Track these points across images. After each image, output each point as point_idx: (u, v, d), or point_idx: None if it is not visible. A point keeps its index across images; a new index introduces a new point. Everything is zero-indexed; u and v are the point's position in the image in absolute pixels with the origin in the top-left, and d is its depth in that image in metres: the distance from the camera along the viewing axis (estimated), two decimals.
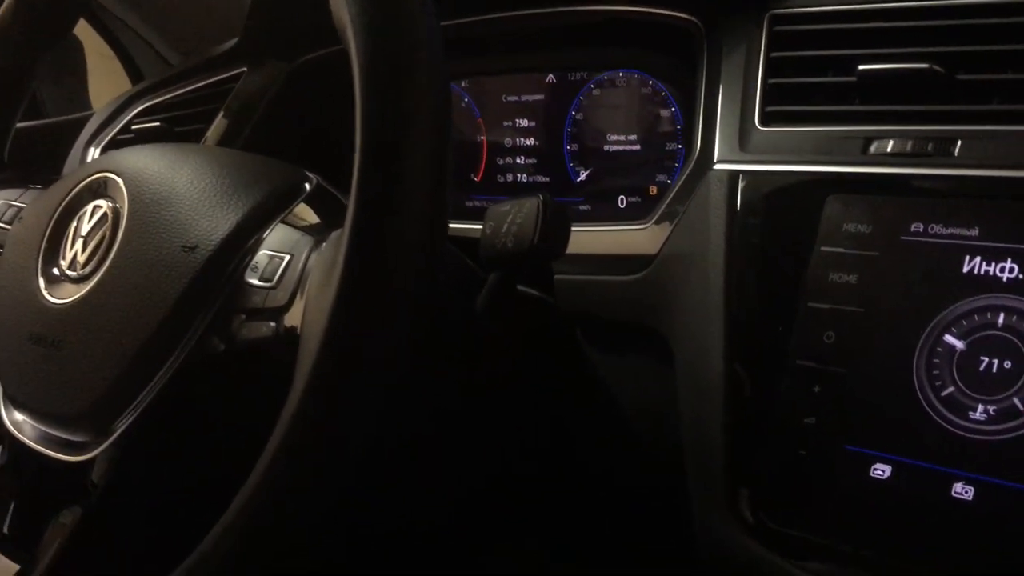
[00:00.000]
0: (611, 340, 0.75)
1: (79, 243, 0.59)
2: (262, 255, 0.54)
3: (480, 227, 0.83)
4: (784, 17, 0.65)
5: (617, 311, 0.71)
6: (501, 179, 0.91)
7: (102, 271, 0.56)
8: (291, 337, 0.51)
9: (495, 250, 0.59)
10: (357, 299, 0.44)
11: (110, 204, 0.59)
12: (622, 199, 0.84)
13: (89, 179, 0.61)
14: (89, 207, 0.60)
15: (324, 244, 0.53)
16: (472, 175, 0.92)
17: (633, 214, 0.82)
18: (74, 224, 0.60)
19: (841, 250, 0.56)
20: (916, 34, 0.58)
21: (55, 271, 0.59)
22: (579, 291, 0.73)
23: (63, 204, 0.61)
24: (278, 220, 0.56)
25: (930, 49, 0.57)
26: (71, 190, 0.61)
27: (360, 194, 0.44)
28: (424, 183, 0.44)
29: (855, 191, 0.57)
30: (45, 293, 0.59)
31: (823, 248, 0.57)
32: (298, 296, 0.53)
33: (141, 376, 0.54)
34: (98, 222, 0.59)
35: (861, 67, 0.59)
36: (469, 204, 0.93)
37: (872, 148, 0.57)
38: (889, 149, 0.56)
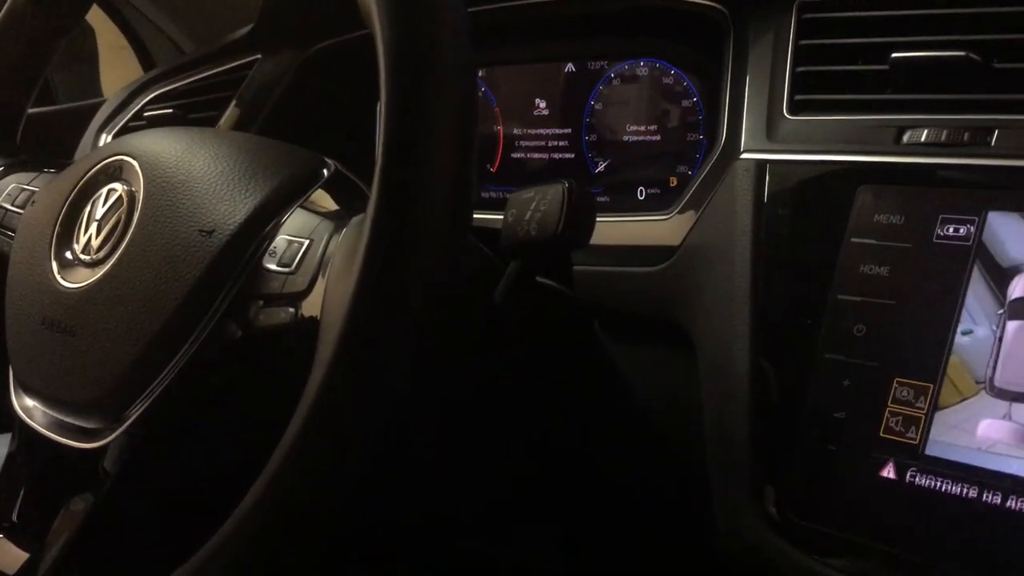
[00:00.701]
0: (631, 332, 0.74)
1: (93, 227, 0.58)
2: (280, 240, 0.53)
3: (497, 217, 0.82)
4: (813, 4, 0.64)
5: (637, 303, 0.70)
6: (517, 170, 0.89)
7: (117, 255, 0.55)
8: (310, 324, 0.50)
9: (517, 237, 0.57)
10: (379, 287, 0.43)
11: (125, 187, 0.58)
12: (641, 190, 0.82)
13: (104, 162, 0.60)
14: (104, 190, 0.59)
15: (345, 230, 0.52)
16: (488, 166, 0.91)
17: (653, 206, 0.81)
18: (88, 207, 0.59)
19: (872, 241, 0.55)
20: (951, 21, 0.57)
21: (68, 255, 0.58)
22: (599, 282, 0.72)
23: (77, 187, 0.60)
24: (297, 205, 0.55)
25: (966, 37, 0.56)
26: (85, 173, 0.60)
27: (383, 181, 0.43)
28: (448, 173, 0.43)
29: (887, 181, 0.55)
30: (58, 277, 0.58)
31: (853, 239, 0.56)
32: (318, 281, 0.51)
33: (156, 362, 0.53)
34: (113, 205, 0.58)
35: (894, 55, 0.57)
36: (485, 195, 0.92)
37: (905, 138, 0.56)
38: (923, 139, 0.55)
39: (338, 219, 0.54)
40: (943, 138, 0.54)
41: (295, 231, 0.54)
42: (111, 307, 0.54)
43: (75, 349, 0.55)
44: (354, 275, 0.43)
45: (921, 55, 0.57)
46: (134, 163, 0.58)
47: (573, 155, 0.86)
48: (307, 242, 0.53)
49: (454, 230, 0.45)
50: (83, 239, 0.58)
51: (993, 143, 0.53)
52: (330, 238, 0.52)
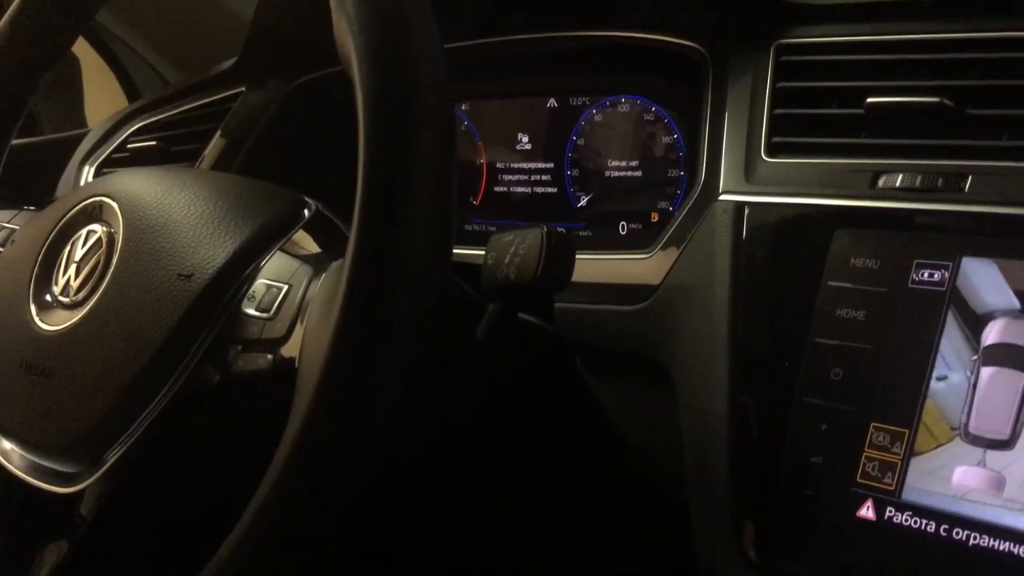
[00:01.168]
0: (611, 370, 0.74)
1: (72, 268, 0.58)
2: (259, 284, 0.53)
3: (479, 252, 0.83)
4: (791, 47, 0.64)
5: (618, 341, 0.70)
6: (500, 203, 0.90)
7: (95, 298, 0.55)
8: (288, 370, 0.50)
9: (496, 281, 0.57)
10: (357, 336, 0.43)
11: (105, 229, 0.58)
12: (623, 225, 0.83)
13: (84, 203, 0.60)
14: (83, 231, 0.59)
15: (324, 275, 0.52)
16: (471, 198, 0.92)
17: (634, 241, 0.81)
18: (67, 248, 0.59)
19: (849, 285, 0.55)
20: (925, 67, 0.58)
21: (47, 297, 0.58)
22: (579, 319, 0.72)
23: (57, 227, 0.60)
24: (276, 248, 0.55)
25: (940, 83, 0.57)
26: (65, 213, 0.60)
27: (361, 227, 0.43)
28: (427, 221, 0.43)
29: (863, 225, 0.56)
30: (36, 319, 0.57)
31: (830, 283, 0.56)
32: (296, 327, 0.51)
33: (133, 406, 0.52)
34: (92, 247, 0.58)
35: (869, 100, 0.58)
36: (468, 228, 0.92)
37: (881, 182, 0.56)
38: (898, 183, 0.56)
39: (317, 264, 0.54)
40: (917, 183, 0.55)
41: (274, 275, 0.54)
42: (89, 350, 0.54)
43: (52, 392, 0.55)
44: (332, 323, 0.43)
45: (896, 100, 0.57)
46: (114, 204, 0.58)
47: (556, 189, 0.86)
48: (286, 287, 0.53)
49: (433, 279, 0.45)
50: (62, 281, 0.58)
51: (967, 189, 0.53)
52: (309, 283, 0.52)
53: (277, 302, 0.52)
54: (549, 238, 0.55)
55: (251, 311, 0.53)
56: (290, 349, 0.51)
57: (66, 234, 0.59)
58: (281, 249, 0.55)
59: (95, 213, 0.59)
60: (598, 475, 0.77)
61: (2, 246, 0.66)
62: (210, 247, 0.54)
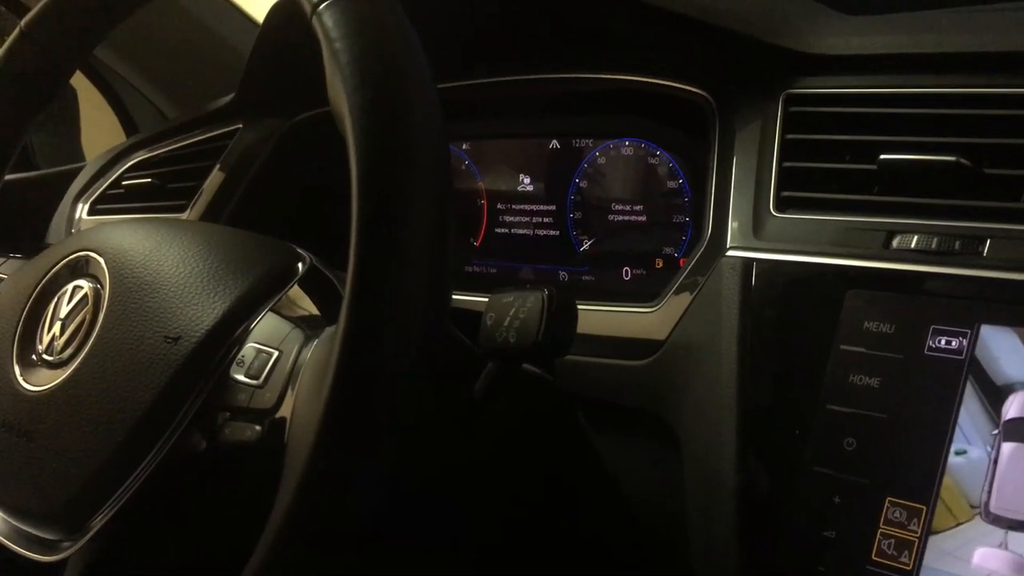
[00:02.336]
0: (614, 424, 0.72)
1: (57, 326, 0.56)
2: (249, 349, 0.51)
3: (478, 299, 0.81)
4: (800, 98, 0.62)
5: (621, 396, 0.68)
6: (501, 244, 0.88)
7: (80, 358, 0.53)
8: (277, 443, 0.48)
9: (496, 343, 0.55)
10: (348, 417, 0.41)
11: (91, 285, 0.56)
12: (627, 271, 0.81)
13: (69, 257, 0.58)
14: (69, 287, 0.57)
15: (315, 343, 0.50)
16: (472, 239, 0.90)
17: (638, 287, 0.79)
18: (52, 305, 0.57)
19: (862, 350, 0.53)
20: (941, 123, 0.56)
21: (31, 355, 0.56)
22: (581, 372, 0.70)
23: (42, 282, 0.58)
24: (267, 308, 0.53)
25: (956, 140, 0.55)
26: (51, 267, 0.58)
27: (354, 302, 0.41)
28: (423, 295, 0.41)
29: (877, 287, 0.54)
30: (20, 379, 0.55)
31: (843, 347, 0.54)
32: (287, 395, 0.50)
33: (118, 473, 0.50)
34: (78, 304, 0.56)
35: (883, 156, 0.56)
36: (468, 269, 0.91)
37: (895, 243, 0.54)
38: (913, 245, 0.53)
39: (309, 330, 0.52)
40: (934, 246, 0.53)
41: (265, 339, 0.52)
42: (73, 413, 0.52)
43: (34, 456, 0.53)
44: (322, 399, 0.42)
45: (910, 158, 0.55)
46: (100, 259, 0.56)
47: (558, 232, 0.85)
48: (276, 354, 0.51)
49: (426, 358, 0.43)
50: (46, 339, 0.56)
51: (985, 253, 0.51)
52: (300, 351, 0.51)
53: (267, 369, 0.50)
54: (550, 302, 0.53)
55: (240, 377, 0.51)
56: (278, 421, 0.49)
57: (51, 289, 0.58)
58: (272, 310, 0.53)
59: (81, 268, 0.57)
60: (597, 533, 0.75)
61: None
62: (198, 308, 0.52)
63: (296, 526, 0.42)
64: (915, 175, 0.55)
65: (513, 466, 0.71)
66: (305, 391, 0.48)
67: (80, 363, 0.53)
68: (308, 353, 0.50)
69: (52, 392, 0.53)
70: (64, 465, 0.52)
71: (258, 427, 0.49)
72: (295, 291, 0.55)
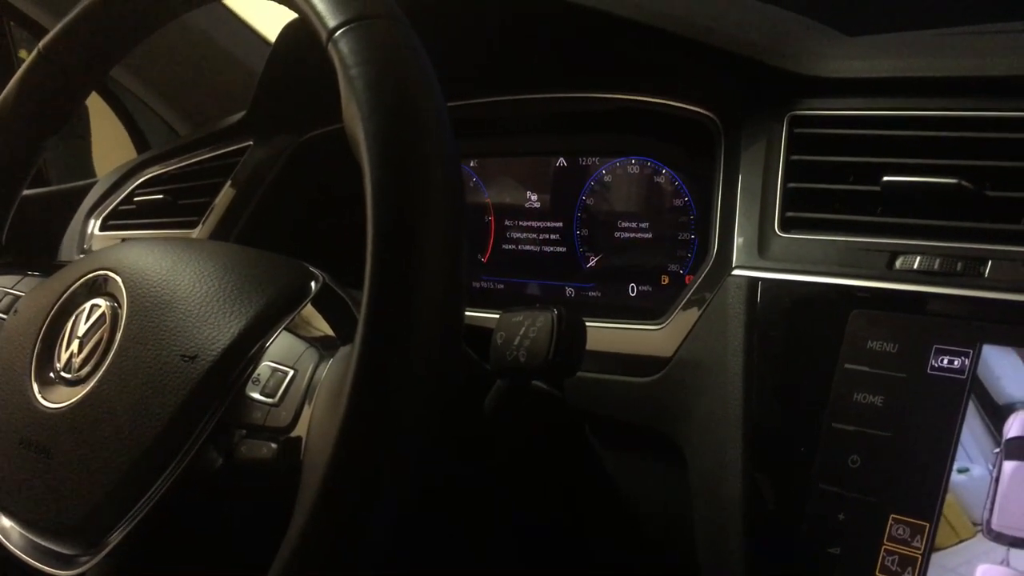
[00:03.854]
0: (621, 440, 0.73)
1: (75, 344, 0.57)
2: (265, 367, 0.52)
3: (486, 315, 0.82)
4: (804, 119, 0.63)
5: (628, 412, 0.69)
6: (509, 261, 0.89)
7: (98, 375, 0.54)
8: (293, 460, 0.49)
9: (506, 362, 0.57)
10: (364, 435, 0.42)
11: (108, 304, 0.57)
12: (633, 287, 0.82)
13: (87, 276, 0.59)
14: (87, 306, 0.58)
15: (331, 363, 0.51)
16: (479, 256, 0.91)
17: (644, 304, 0.80)
18: (71, 323, 0.58)
19: (866, 369, 0.54)
20: (944, 145, 0.57)
21: (49, 373, 0.57)
22: (589, 388, 0.71)
23: (60, 301, 0.59)
24: (282, 327, 0.54)
25: (959, 162, 0.56)
26: (68, 286, 0.59)
27: (369, 321, 0.42)
28: (437, 312, 0.43)
29: (880, 307, 0.55)
30: (38, 396, 0.56)
31: (847, 365, 0.55)
32: (303, 412, 0.51)
33: (135, 489, 0.51)
34: (96, 323, 0.57)
35: (886, 178, 0.57)
36: (476, 285, 0.92)
37: (898, 264, 0.55)
38: (916, 266, 0.54)
39: (324, 349, 0.53)
40: (936, 266, 0.54)
41: (280, 357, 0.53)
42: (91, 430, 0.53)
43: (53, 472, 0.54)
44: (338, 417, 0.43)
45: (913, 180, 0.56)
46: (117, 278, 0.58)
47: (564, 249, 0.86)
48: (291, 372, 0.52)
49: (442, 371, 0.44)
50: (64, 356, 0.57)
51: (987, 274, 0.52)
52: (315, 370, 0.51)
53: (283, 388, 0.51)
54: (559, 322, 0.54)
55: (256, 395, 0.52)
56: (294, 439, 0.50)
57: (69, 308, 0.59)
58: (287, 328, 0.54)
59: (99, 287, 0.58)
60: (604, 548, 0.76)
61: (5, 313, 0.65)
62: (215, 327, 0.53)
63: (312, 543, 0.43)
64: (918, 197, 0.56)
65: (521, 481, 0.72)
66: (321, 409, 0.49)
67: (98, 380, 0.54)
68: (323, 372, 0.51)
69: (70, 409, 0.55)
70: (82, 481, 0.53)
71: (274, 445, 0.50)
72: (308, 310, 0.56)
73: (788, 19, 0.73)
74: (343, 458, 0.42)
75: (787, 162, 0.63)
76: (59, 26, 0.66)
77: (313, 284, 0.58)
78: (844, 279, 0.57)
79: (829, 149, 0.62)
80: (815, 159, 0.62)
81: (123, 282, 0.57)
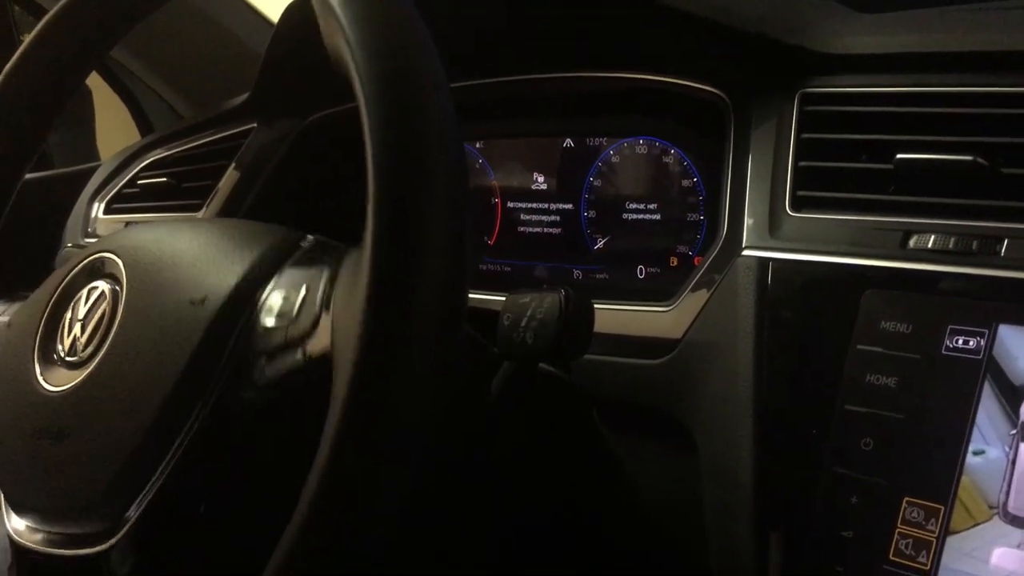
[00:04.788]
0: (630, 423, 0.72)
1: (77, 327, 0.56)
2: (275, 296, 0.51)
3: (492, 298, 0.81)
4: (816, 96, 0.62)
5: (637, 395, 0.68)
6: (515, 243, 0.88)
7: (105, 346, 0.53)
8: (321, 362, 0.47)
9: (513, 344, 0.56)
10: (391, 299, 0.40)
11: (108, 285, 0.56)
12: (641, 269, 0.81)
13: (84, 261, 0.58)
14: (85, 290, 0.57)
15: (343, 265, 0.50)
16: (486, 238, 0.90)
17: (653, 286, 0.79)
18: (70, 309, 0.57)
19: (879, 350, 0.53)
20: (958, 122, 0.56)
21: (54, 357, 0.56)
22: (598, 371, 0.70)
23: (58, 290, 0.58)
24: (288, 265, 0.53)
25: (973, 139, 0.54)
26: (66, 275, 0.58)
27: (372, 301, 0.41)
28: (438, 289, 0.41)
29: (894, 287, 0.54)
30: (43, 383, 0.55)
31: (859, 346, 0.54)
32: (322, 319, 0.49)
33: (160, 445, 0.49)
34: (96, 302, 0.56)
35: (899, 156, 0.56)
36: (483, 267, 0.91)
37: (912, 243, 0.54)
38: (930, 245, 0.53)
39: (333, 258, 0.52)
40: (951, 245, 0.53)
41: (289, 284, 0.52)
42: (104, 399, 0.51)
43: (70, 452, 0.52)
44: (360, 296, 0.41)
45: (927, 157, 0.55)
46: (115, 258, 0.56)
47: (572, 230, 0.85)
48: (304, 289, 0.50)
49: (445, 354, 0.43)
50: (67, 341, 0.56)
51: (1003, 253, 0.51)
52: (330, 278, 0.50)
53: (298, 304, 0.50)
54: (567, 303, 0.53)
55: (271, 322, 0.50)
56: (319, 341, 0.48)
57: (68, 295, 0.58)
58: (291, 264, 0.53)
59: (97, 270, 0.57)
60: (613, 532, 0.75)
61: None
62: (217, 273, 0.51)
63: (359, 408, 0.41)
64: (932, 175, 0.55)
65: (528, 465, 0.72)
66: (341, 302, 0.47)
67: (106, 351, 0.53)
68: (339, 276, 0.50)
69: (80, 386, 0.53)
70: (104, 448, 0.50)
71: (299, 351, 0.48)
72: (311, 248, 0.55)
73: None
74: (374, 328, 0.41)
75: (798, 140, 0.62)
76: (53, 10, 0.65)
77: (304, 242, 0.56)
78: (857, 259, 0.56)
79: (841, 127, 0.60)
80: (826, 137, 0.61)
81: (121, 260, 0.56)
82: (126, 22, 0.66)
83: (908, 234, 0.55)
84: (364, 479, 0.41)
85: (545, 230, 0.86)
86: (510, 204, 0.88)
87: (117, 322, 0.53)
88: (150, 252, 0.55)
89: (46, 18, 0.65)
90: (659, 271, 0.80)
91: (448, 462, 0.62)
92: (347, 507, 0.42)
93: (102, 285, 0.56)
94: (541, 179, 0.86)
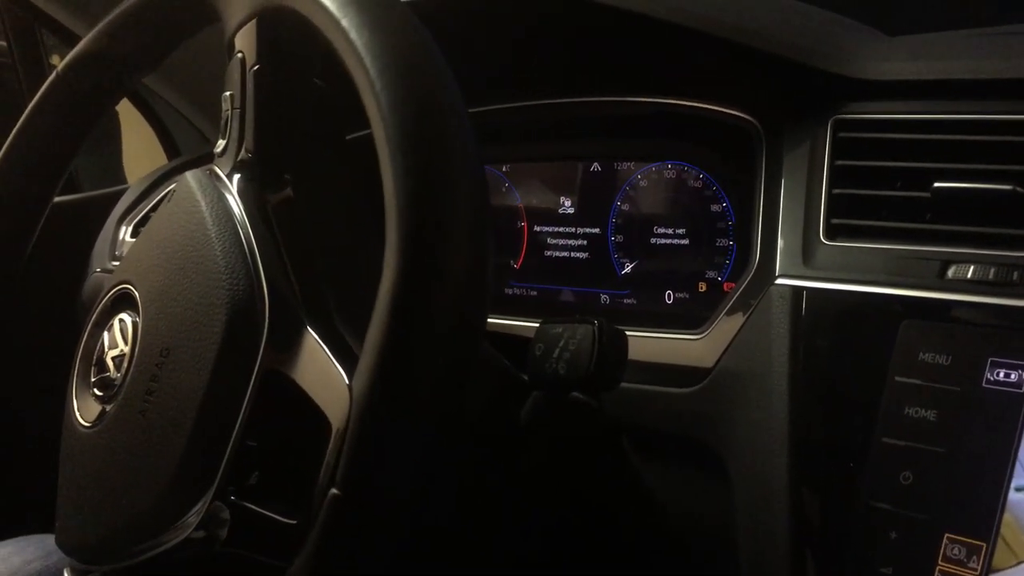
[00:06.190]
0: (659, 451, 0.71)
1: (109, 360, 0.56)
2: None
3: (520, 324, 0.81)
4: (849, 123, 0.62)
5: (668, 424, 0.68)
6: (542, 267, 0.88)
7: (129, 377, 0.53)
8: None
9: (544, 374, 0.55)
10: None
11: (130, 316, 0.56)
12: (669, 294, 0.80)
13: (108, 295, 0.58)
14: (114, 322, 0.57)
15: None
16: (512, 262, 0.90)
17: (681, 311, 0.79)
18: (99, 345, 0.57)
19: (918, 382, 0.52)
20: (997, 150, 0.55)
21: (88, 395, 0.56)
22: (627, 399, 0.69)
23: (89, 326, 0.58)
24: None
25: (1012, 167, 0.54)
26: (94, 312, 0.58)
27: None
28: (457, 307, 0.41)
29: (932, 318, 0.53)
30: (81, 420, 0.55)
31: (897, 378, 0.53)
32: None
33: (231, 406, 0.48)
34: (120, 333, 0.55)
35: (937, 184, 0.55)
36: (508, 291, 0.90)
37: (950, 273, 0.54)
38: (969, 275, 0.53)
39: None
40: (991, 276, 0.52)
41: None
42: (143, 414, 0.51)
43: (135, 460, 0.52)
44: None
45: (965, 186, 0.54)
46: (130, 287, 0.56)
47: (599, 255, 0.84)
48: None
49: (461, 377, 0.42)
50: (99, 376, 0.56)
51: None
52: None
53: None
54: (601, 335, 0.53)
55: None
56: None
57: (99, 330, 0.58)
58: None
59: (120, 300, 0.57)
60: (642, 557, 0.75)
61: None
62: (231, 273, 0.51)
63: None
64: (970, 203, 0.55)
65: (556, 492, 0.71)
66: None
67: (130, 380, 0.52)
68: None
69: (118, 411, 0.53)
70: (169, 442, 0.50)
71: None
72: None
73: (830, 20, 0.71)
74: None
75: (832, 167, 0.61)
76: (81, 44, 0.65)
77: None
78: (894, 288, 0.55)
79: (875, 154, 0.60)
80: (861, 164, 0.60)
81: (137, 291, 0.56)
82: (161, 47, 0.66)
83: (946, 264, 0.54)
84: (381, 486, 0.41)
85: (572, 254, 0.86)
86: (536, 228, 0.88)
87: (138, 350, 0.53)
88: (160, 271, 0.54)
89: (80, 45, 0.66)
90: (687, 296, 0.79)
91: (476, 487, 0.62)
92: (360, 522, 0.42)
93: (125, 317, 0.56)
94: (568, 203, 0.86)
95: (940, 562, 0.49)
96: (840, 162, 0.61)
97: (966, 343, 0.51)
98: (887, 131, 0.60)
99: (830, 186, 0.61)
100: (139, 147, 1.25)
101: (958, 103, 0.58)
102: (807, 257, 0.60)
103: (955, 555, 0.49)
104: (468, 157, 0.43)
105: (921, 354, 0.53)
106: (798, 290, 0.59)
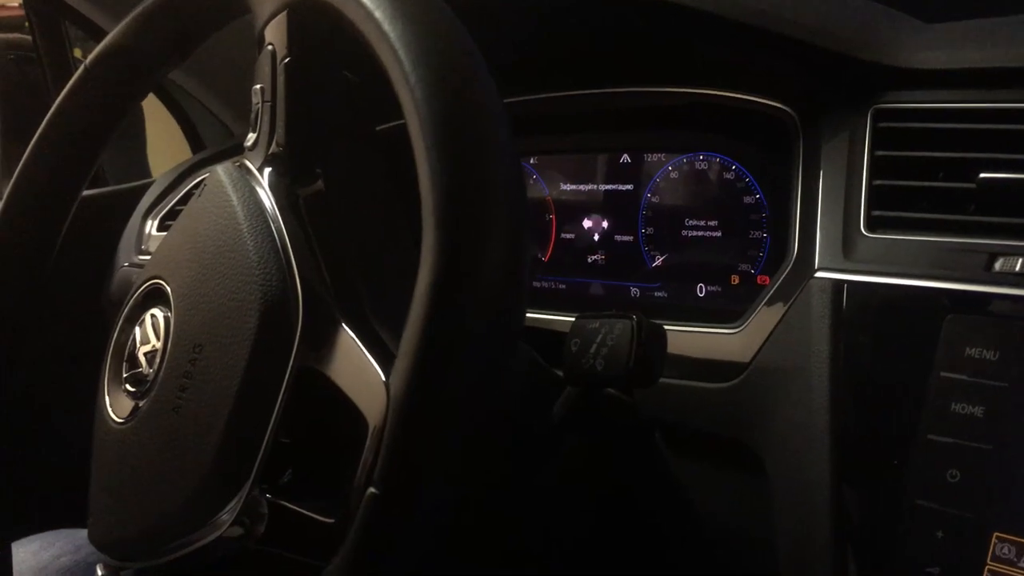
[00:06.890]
0: (694, 447, 0.70)
1: (141, 356, 0.55)
2: None
3: (548, 317, 0.80)
4: (890, 112, 0.60)
5: (703, 419, 0.67)
6: (570, 260, 0.87)
7: (163, 371, 0.52)
8: None
9: (582, 370, 0.54)
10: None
11: (161, 312, 0.55)
12: (701, 287, 0.79)
13: (139, 290, 0.57)
14: (146, 316, 0.56)
15: None
16: (540, 255, 0.89)
17: (713, 305, 0.78)
18: (131, 340, 0.56)
19: (964, 377, 0.51)
20: None
21: (121, 391, 0.56)
22: (661, 394, 0.68)
23: (120, 321, 0.58)
24: None
25: None
26: (125, 307, 0.58)
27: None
28: (496, 302, 0.40)
29: (978, 312, 0.52)
30: (114, 416, 0.55)
31: (943, 373, 0.52)
32: None
33: (265, 403, 0.48)
34: (152, 328, 0.55)
35: (983, 175, 0.54)
36: (537, 284, 0.90)
37: (997, 266, 0.52)
38: (1018, 268, 0.51)
39: None
40: None
41: None
42: (176, 410, 0.51)
43: (165, 461, 0.51)
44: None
45: (1012, 177, 0.53)
46: (162, 282, 0.56)
47: (629, 248, 0.83)
48: None
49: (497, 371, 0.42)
50: (131, 372, 0.55)
51: None
52: None
53: None
54: (639, 330, 0.52)
55: None
56: None
57: (130, 325, 0.57)
58: None
59: (152, 295, 0.57)
60: (676, 555, 0.74)
61: None
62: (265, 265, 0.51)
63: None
64: (1017, 194, 0.53)
65: (589, 488, 0.70)
66: None
67: (164, 374, 0.52)
68: None
69: (145, 415, 0.52)
70: (201, 438, 0.49)
71: None
72: None
73: (868, 8, 0.70)
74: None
75: (872, 158, 0.60)
76: (106, 40, 0.65)
77: None
78: (938, 282, 0.54)
79: (917, 144, 0.58)
80: (902, 155, 0.59)
81: (168, 286, 0.55)
82: (190, 40, 0.65)
83: (993, 256, 0.53)
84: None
85: (601, 247, 0.85)
86: (565, 220, 0.87)
87: (170, 345, 0.52)
88: (192, 265, 0.53)
89: (107, 39, 0.65)
90: (720, 290, 0.78)
91: (511, 484, 0.61)
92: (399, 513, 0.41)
93: (156, 312, 0.55)
94: (597, 195, 0.85)
95: (989, 562, 0.48)
96: (880, 152, 0.60)
97: (1014, 338, 0.50)
98: (929, 120, 0.59)
99: (871, 177, 0.59)
100: (164, 140, 1.25)
101: (1000, 91, 0.56)
102: (848, 250, 0.59)
103: (1005, 554, 0.48)
104: (504, 152, 0.42)
105: (967, 349, 0.51)
106: (839, 283, 0.57)
